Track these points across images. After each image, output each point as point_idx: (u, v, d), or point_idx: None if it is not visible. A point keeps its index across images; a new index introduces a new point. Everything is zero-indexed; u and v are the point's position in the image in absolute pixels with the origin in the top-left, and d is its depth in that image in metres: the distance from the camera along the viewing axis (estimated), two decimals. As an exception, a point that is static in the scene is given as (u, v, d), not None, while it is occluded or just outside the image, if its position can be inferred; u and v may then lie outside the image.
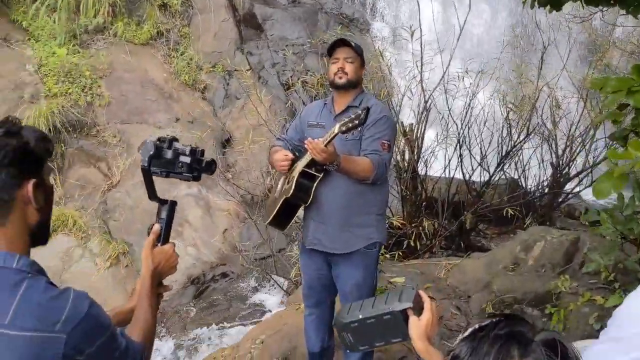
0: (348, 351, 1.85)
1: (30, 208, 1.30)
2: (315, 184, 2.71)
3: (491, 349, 1.07)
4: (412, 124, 6.18)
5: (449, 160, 6.32)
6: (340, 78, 2.78)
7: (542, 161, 6.68)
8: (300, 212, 2.94)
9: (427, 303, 1.63)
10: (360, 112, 2.42)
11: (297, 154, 2.89)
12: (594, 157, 6.61)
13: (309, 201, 2.74)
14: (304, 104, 8.53)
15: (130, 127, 7.75)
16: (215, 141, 7.98)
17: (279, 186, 2.92)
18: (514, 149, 6.13)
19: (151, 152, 1.71)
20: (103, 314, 1.29)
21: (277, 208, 2.79)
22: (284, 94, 8.72)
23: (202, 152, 1.76)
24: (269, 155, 3.01)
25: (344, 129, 2.44)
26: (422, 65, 6.10)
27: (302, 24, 9.68)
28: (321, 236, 2.79)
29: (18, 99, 7.36)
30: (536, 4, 3.31)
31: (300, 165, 2.72)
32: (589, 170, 6.74)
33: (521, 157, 6.77)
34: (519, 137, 6.17)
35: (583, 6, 2.90)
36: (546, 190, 6.96)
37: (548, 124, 6.73)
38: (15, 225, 1.27)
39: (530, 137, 6.22)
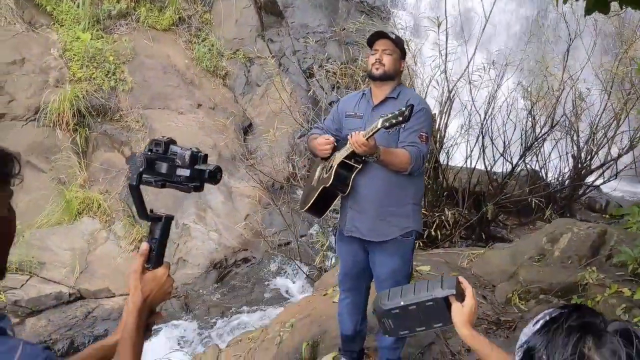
0: (386, 335, 1.89)
1: None
2: (353, 175, 2.76)
3: (567, 340, 1.10)
4: (435, 114, 6.18)
5: (471, 151, 6.34)
6: (377, 69, 2.80)
7: (566, 153, 6.66)
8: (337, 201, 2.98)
9: (468, 290, 1.69)
10: (404, 109, 2.45)
11: (336, 144, 2.92)
12: (619, 149, 6.57)
13: (347, 191, 2.78)
14: (324, 91, 8.59)
15: (153, 112, 7.82)
16: (236, 127, 8.04)
17: (317, 174, 2.97)
18: (537, 141, 6.11)
19: (141, 169, 1.42)
20: None
21: (315, 196, 2.84)
22: (305, 82, 8.74)
23: (205, 157, 1.46)
24: (308, 142, 3.05)
25: (387, 124, 2.47)
26: (446, 55, 6.09)
27: (323, 11, 9.68)
28: (359, 224, 2.84)
29: (43, 83, 7.44)
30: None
31: (339, 156, 2.76)
32: (611, 163, 6.72)
33: (543, 149, 6.76)
34: (542, 129, 6.15)
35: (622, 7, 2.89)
36: (567, 183, 6.96)
37: (571, 117, 6.72)
38: None
39: (554, 129, 6.20)
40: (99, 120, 7.59)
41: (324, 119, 3.21)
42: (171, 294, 1.44)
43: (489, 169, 6.33)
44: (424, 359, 3.29)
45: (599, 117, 6.74)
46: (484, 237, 6.20)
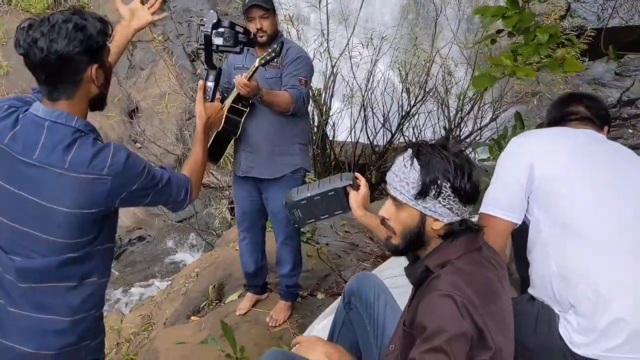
0: (296, 225, 2.22)
1: (92, 85, 1.63)
2: (242, 118, 3.01)
3: (439, 157, 1.50)
4: (319, 89, 6.56)
5: (355, 123, 6.78)
6: (262, 37, 3.02)
7: (437, 123, 7.28)
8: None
9: (362, 181, 2.02)
10: (275, 46, 2.79)
11: (225, 94, 3.15)
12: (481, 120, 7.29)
13: (238, 133, 3.03)
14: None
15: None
16: (122, 110, 7.96)
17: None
18: (412, 109, 6.67)
19: (214, 21, 2.28)
20: (138, 161, 1.67)
21: (209, 143, 3.05)
22: (191, 64, 8.81)
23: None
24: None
25: (262, 62, 2.76)
26: (328, 33, 6.48)
27: (205, -4, 9.77)
28: (252, 164, 3.09)
29: None
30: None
31: (227, 102, 3.00)
32: (477, 131, 7.45)
33: (418, 121, 7.36)
34: (416, 99, 6.72)
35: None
36: (440, 151, 7.60)
37: (441, 91, 7.36)
38: (79, 98, 1.63)
39: (426, 99, 6.79)
40: (-29, 106, 7.23)
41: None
42: (222, 122, 2.42)
43: (371, 139, 6.80)
44: (320, 287, 3.61)
45: (465, 90, 7.44)
46: (370, 200, 6.65)
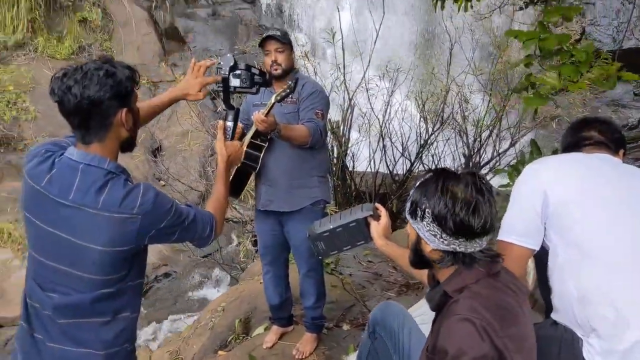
0: (319, 257, 2.26)
1: (122, 129, 1.74)
2: (262, 153, 3.09)
3: (435, 185, 1.52)
4: (338, 121, 6.67)
5: (373, 153, 6.85)
6: (276, 69, 3.12)
7: (456, 151, 7.32)
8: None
9: (383, 211, 2.07)
10: (290, 82, 2.87)
11: (245, 131, 3.25)
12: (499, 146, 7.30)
13: (258, 168, 3.11)
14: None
15: (59, 140, 7.77)
16: (145, 149, 8.14)
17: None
18: (430, 137, 6.73)
19: (231, 64, 2.36)
20: (166, 199, 1.77)
21: (230, 178, 3.13)
22: (212, 102, 9.01)
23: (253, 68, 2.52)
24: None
25: (278, 98, 2.85)
26: (344, 66, 6.61)
27: (223, 35, 10.03)
28: (271, 197, 3.15)
29: (-61, 116, 7.24)
30: (444, 5, 3.88)
31: (247, 137, 3.09)
32: (497, 157, 7.46)
33: (437, 149, 7.41)
34: (434, 127, 6.78)
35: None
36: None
37: (458, 118, 7.42)
38: (110, 141, 1.73)
39: (444, 127, 6.84)
40: (2, 150, 7.47)
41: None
42: (241, 160, 2.47)
43: (390, 168, 6.85)
44: (346, 318, 3.63)
45: (482, 117, 7.48)
46: (391, 231, 6.67)
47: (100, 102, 1.65)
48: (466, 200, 1.51)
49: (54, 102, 1.67)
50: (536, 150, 3.45)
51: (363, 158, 7.01)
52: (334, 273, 4.01)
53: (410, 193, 1.60)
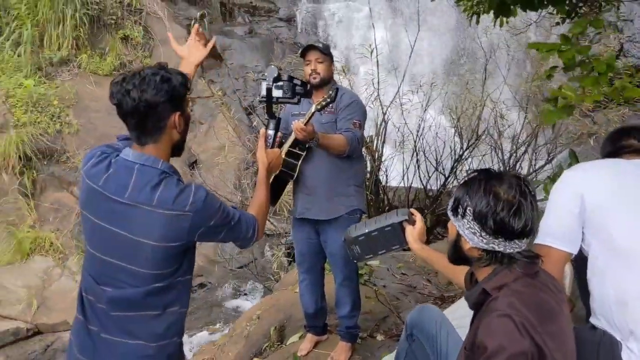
0: (355, 261, 2.30)
1: (175, 131, 1.85)
2: (300, 161, 3.15)
3: (479, 185, 1.55)
4: (372, 135, 6.72)
5: (407, 168, 6.87)
6: (315, 78, 3.20)
7: (492, 164, 7.27)
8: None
9: (418, 216, 2.11)
10: (331, 92, 2.93)
11: (283, 140, 3.32)
12: (535, 161, 7.24)
13: (295, 176, 3.17)
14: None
15: (100, 153, 7.99)
16: (183, 163, 8.31)
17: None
18: (465, 152, 6.71)
19: (275, 75, 2.53)
20: (215, 200, 1.86)
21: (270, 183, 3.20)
22: (247, 117, 9.17)
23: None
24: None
25: (319, 107, 2.92)
26: (379, 82, 6.68)
27: (260, 52, 10.22)
28: (309, 206, 3.21)
29: (-13, 129, 7.53)
30: (479, 20, 3.92)
31: (286, 146, 3.16)
32: (533, 173, 7.39)
33: (472, 165, 7.38)
34: (468, 142, 6.77)
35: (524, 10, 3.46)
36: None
37: (494, 134, 7.38)
38: (163, 142, 1.83)
39: (479, 142, 6.82)
40: (45, 162, 7.71)
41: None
42: (280, 167, 2.50)
43: (424, 183, 6.85)
44: (380, 329, 3.64)
45: (518, 134, 7.44)
46: (426, 237, 6.66)
47: (156, 105, 1.75)
48: (508, 201, 1.54)
49: (112, 105, 1.77)
50: (575, 161, 3.43)
51: (396, 173, 7.04)
52: (368, 284, 4.03)
53: (454, 191, 1.64)
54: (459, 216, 1.60)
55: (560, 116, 2.51)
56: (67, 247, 6.77)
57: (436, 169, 6.85)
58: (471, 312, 1.76)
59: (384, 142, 6.74)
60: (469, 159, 7.11)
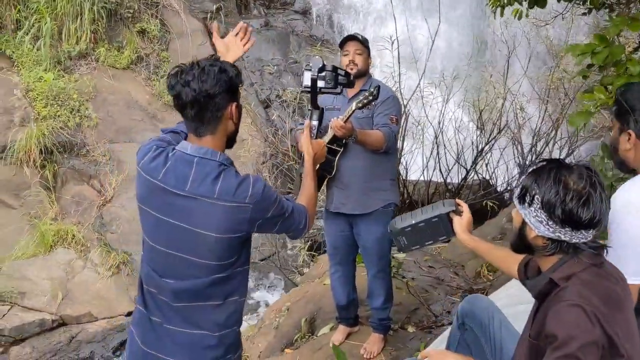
0: (401, 252, 2.31)
1: (230, 122, 1.86)
2: (337, 157, 3.14)
3: (549, 174, 1.54)
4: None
5: (427, 162, 6.85)
6: (352, 69, 3.19)
7: (514, 158, 7.24)
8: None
9: (465, 207, 2.11)
10: (372, 89, 2.91)
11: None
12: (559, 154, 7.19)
13: (333, 172, 3.16)
14: (282, 119, 9.07)
15: (119, 145, 8.03)
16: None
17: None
18: (487, 145, 6.69)
19: (320, 65, 2.58)
20: (272, 191, 1.86)
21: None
22: (264, 111, 9.18)
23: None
24: (294, 138, 3.42)
25: (360, 105, 2.89)
26: (399, 75, 6.66)
27: (276, 45, 10.21)
28: (344, 200, 3.21)
29: (9, 123, 7.58)
30: (503, 12, 3.90)
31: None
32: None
33: (491, 159, 7.35)
34: (490, 135, 6.74)
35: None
36: (515, 187, 7.55)
37: (513, 127, 7.35)
38: (220, 133, 1.84)
39: (501, 135, 6.79)
40: (66, 156, 7.75)
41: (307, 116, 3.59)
42: (325, 157, 2.51)
43: (444, 176, 6.83)
44: (411, 321, 3.65)
45: (538, 126, 7.40)
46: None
47: (215, 96, 1.77)
48: (578, 191, 1.53)
49: (171, 96, 1.78)
50: (607, 155, 3.40)
51: (416, 167, 7.02)
52: (397, 277, 4.03)
53: (521, 179, 1.64)
54: (526, 204, 1.60)
55: (586, 119, 2.53)
56: (88, 240, 6.81)
57: (457, 162, 6.83)
58: (510, 303, 1.76)
59: (404, 135, 6.72)
60: (490, 153, 7.10)
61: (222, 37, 2.33)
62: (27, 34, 8.58)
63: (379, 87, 2.96)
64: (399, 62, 6.59)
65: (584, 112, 2.53)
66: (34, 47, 8.56)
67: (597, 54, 2.61)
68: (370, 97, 2.89)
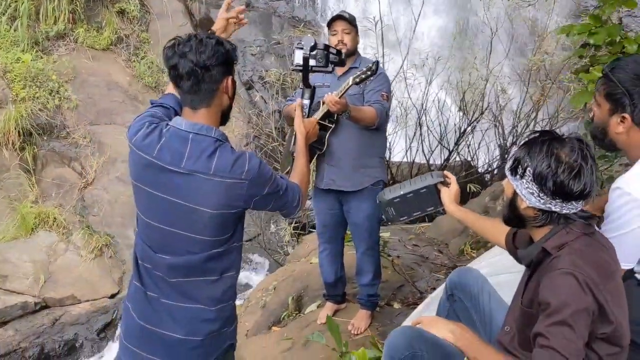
0: (389, 223, 2.33)
1: (225, 96, 1.86)
2: (328, 134, 3.14)
3: (541, 146, 1.57)
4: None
5: (410, 143, 6.90)
6: (341, 48, 3.19)
7: (494, 141, 7.32)
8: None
9: (453, 178, 2.15)
10: (371, 65, 2.89)
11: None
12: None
13: (324, 149, 3.16)
14: (264, 101, 9.05)
15: (100, 127, 7.94)
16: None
17: (293, 140, 3.32)
18: (469, 127, 6.74)
19: (312, 44, 2.56)
20: (267, 168, 1.87)
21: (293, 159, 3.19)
22: (246, 92, 9.13)
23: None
24: (284, 111, 3.39)
25: (357, 80, 2.87)
26: (383, 56, 6.66)
27: (258, 27, 10.12)
28: (335, 177, 3.22)
29: (-15, 104, 7.44)
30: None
31: (315, 118, 3.14)
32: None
33: (473, 140, 7.41)
34: (472, 116, 6.79)
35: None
36: (496, 169, 7.64)
37: (494, 109, 7.41)
38: (215, 107, 1.84)
39: (483, 116, 6.85)
40: (45, 138, 7.64)
41: (295, 93, 3.58)
42: (317, 136, 2.56)
43: (427, 157, 6.89)
44: (396, 297, 3.70)
45: (519, 108, 7.47)
46: (427, 220, 6.72)
47: (212, 68, 1.76)
48: (569, 164, 1.55)
49: (167, 67, 1.77)
50: (590, 134, 3.46)
51: (399, 149, 7.06)
52: (383, 255, 4.07)
53: (513, 150, 1.66)
54: (518, 176, 1.62)
55: (589, 98, 2.53)
56: (70, 223, 6.75)
57: (440, 143, 6.89)
58: (494, 272, 1.78)
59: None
60: (472, 135, 7.16)
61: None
62: (4, 14, 8.41)
63: (377, 62, 2.96)
64: (383, 44, 6.58)
65: (584, 91, 2.56)
66: (11, 27, 8.39)
67: (594, 33, 2.64)
68: (369, 72, 2.87)
